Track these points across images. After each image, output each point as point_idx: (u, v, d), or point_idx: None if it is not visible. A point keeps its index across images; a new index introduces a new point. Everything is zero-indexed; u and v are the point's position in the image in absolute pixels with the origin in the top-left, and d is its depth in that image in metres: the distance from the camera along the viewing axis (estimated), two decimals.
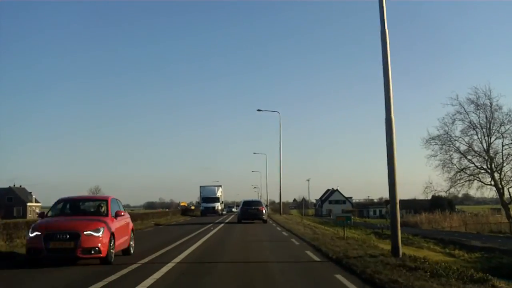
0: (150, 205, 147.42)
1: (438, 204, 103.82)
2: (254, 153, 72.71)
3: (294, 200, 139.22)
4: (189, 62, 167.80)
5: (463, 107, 39.24)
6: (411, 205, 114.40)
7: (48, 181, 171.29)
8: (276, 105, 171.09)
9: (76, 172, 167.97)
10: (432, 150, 40.39)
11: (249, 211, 27.28)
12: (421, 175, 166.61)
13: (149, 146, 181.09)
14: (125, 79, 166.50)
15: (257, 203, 29.35)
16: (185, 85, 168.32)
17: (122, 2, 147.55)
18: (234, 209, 68.78)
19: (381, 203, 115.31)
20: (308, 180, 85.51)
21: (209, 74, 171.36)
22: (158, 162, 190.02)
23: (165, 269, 8.49)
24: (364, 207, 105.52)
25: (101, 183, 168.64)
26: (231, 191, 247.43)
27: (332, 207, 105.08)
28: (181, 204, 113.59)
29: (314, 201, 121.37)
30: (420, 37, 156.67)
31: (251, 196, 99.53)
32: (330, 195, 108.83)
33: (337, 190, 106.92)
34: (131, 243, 11.06)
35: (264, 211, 27.65)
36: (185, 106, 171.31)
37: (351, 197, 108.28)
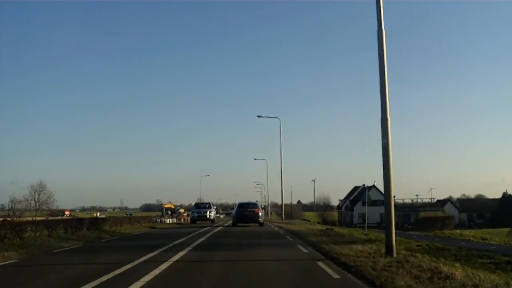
0: (147, 207, 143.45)
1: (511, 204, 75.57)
2: (260, 116, 46.85)
3: (299, 201, 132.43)
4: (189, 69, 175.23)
5: None
6: (470, 207, 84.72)
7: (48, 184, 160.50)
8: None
9: (74, 173, 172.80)
10: None
11: (245, 213, 27.85)
12: (421, 176, 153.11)
13: (148, 147, 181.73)
14: (125, 86, 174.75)
15: (253, 205, 29.18)
16: (183, 87, 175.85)
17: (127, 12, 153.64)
18: (209, 215, 39.52)
19: (433, 204, 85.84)
20: (313, 181, 61.76)
21: (208, 80, 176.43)
22: (156, 163, 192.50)
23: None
24: (411, 210, 77.38)
25: (99, 184, 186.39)
26: (230, 191, 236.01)
27: (366, 210, 76.15)
28: (166, 206, 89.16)
29: (339, 202, 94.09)
30: None
31: (253, 197, 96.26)
32: (361, 194, 79.30)
33: (373, 186, 77.63)
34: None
35: (260, 213, 28.14)
36: (186, 98, 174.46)
37: (393, 196, 79.11)
